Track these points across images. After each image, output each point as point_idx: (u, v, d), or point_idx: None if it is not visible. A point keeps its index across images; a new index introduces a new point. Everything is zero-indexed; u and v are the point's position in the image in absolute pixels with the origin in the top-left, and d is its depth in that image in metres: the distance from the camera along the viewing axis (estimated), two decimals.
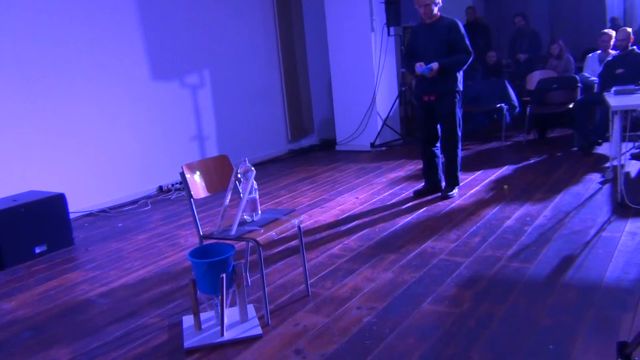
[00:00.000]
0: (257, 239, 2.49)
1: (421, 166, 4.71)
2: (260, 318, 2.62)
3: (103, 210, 5.03)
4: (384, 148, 7.00)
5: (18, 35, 4.49)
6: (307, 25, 7.55)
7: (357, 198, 4.76)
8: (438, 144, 4.56)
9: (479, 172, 5.24)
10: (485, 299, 2.64)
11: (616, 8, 8.95)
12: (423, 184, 4.69)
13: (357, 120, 7.09)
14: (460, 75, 4.33)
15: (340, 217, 4.24)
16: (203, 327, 2.56)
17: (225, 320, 2.54)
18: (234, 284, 2.53)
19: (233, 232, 2.58)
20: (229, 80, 6.51)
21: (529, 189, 4.50)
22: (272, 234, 2.58)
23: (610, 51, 6.16)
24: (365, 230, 3.86)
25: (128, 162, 5.37)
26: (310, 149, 7.54)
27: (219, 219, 2.70)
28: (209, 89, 6.26)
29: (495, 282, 2.83)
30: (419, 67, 4.20)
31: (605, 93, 4.71)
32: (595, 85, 6.05)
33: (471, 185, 4.82)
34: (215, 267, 2.43)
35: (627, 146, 5.39)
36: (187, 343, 2.44)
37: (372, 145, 6.97)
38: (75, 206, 4.75)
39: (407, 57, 4.60)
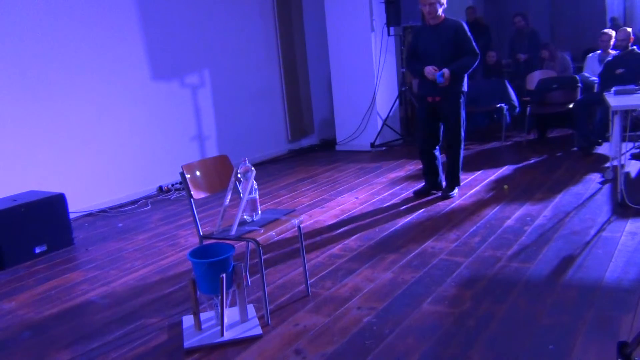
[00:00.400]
0: (257, 239, 2.49)
1: (421, 166, 4.70)
2: (260, 318, 2.62)
3: (103, 210, 5.03)
4: (384, 148, 7.00)
5: (18, 35, 4.49)
6: (307, 25, 7.55)
7: (357, 198, 4.76)
8: (437, 146, 4.53)
9: (479, 172, 5.24)
10: (485, 299, 2.64)
11: (616, 8, 8.95)
12: (423, 184, 4.69)
13: (357, 120, 7.09)
14: (465, 76, 4.32)
15: (340, 217, 4.24)
16: (203, 327, 2.56)
17: (225, 320, 2.54)
18: (234, 284, 2.53)
19: (233, 232, 2.58)
20: (229, 80, 6.51)
21: (529, 189, 4.50)
22: (272, 234, 2.58)
23: (610, 51, 6.16)
24: (365, 230, 3.86)
25: (128, 162, 5.37)
26: (310, 149, 7.54)
27: (219, 219, 2.70)
28: (209, 89, 6.26)
29: (495, 282, 2.83)
30: (433, 73, 4.15)
31: (605, 93, 4.71)
32: (595, 85, 6.05)
33: (471, 185, 4.82)
34: (215, 267, 2.43)
35: (627, 146, 5.39)
36: (187, 343, 2.44)
37: (372, 145, 6.97)
38: (75, 206, 4.75)
39: (409, 58, 4.53)
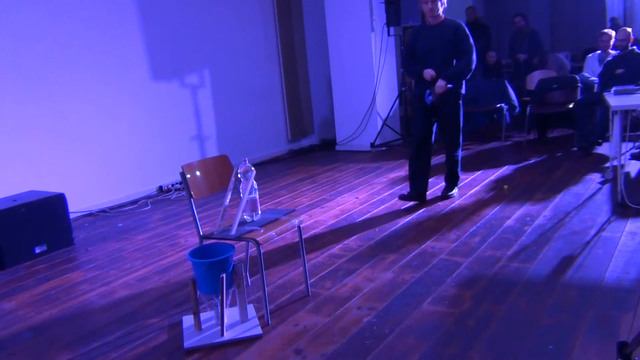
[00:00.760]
0: (257, 239, 2.49)
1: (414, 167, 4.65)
2: (260, 318, 2.62)
3: (103, 210, 5.03)
4: (384, 148, 7.00)
5: (18, 35, 4.49)
6: (307, 25, 7.55)
7: (357, 198, 4.76)
8: (430, 147, 4.44)
9: (479, 172, 5.24)
10: (485, 299, 2.64)
11: (616, 8, 8.95)
12: (409, 190, 4.51)
13: (357, 120, 7.09)
14: (464, 81, 4.28)
15: (340, 217, 4.24)
16: (203, 327, 2.56)
17: (225, 320, 2.54)
18: (234, 284, 2.53)
19: (233, 232, 2.58)
20: (229, 80, 6.51)
21: (529, 189, 4.50)
22: (272, 234, 2.58)
23: (610, 51, 6.16)
24: (365, 230, 3.86)
25: (128, 162, 5.37)
26: (310, 149, 7.54)
27: (219, 219, 2.70)
28: (209, 89, 6.26)
29: (495, 282, 2.83)
30: (432, 76, 4.14)
31: (605, 93, 4.71)
32: (595, 85, 6.05)
33: (471, 185, 4.82)
34: (215, 267, 2.43)
35: (627, 146, 5.39)
36: (187, 343, 2.44)
37: (372, 145, 6.97)
38: (75, 206, 4.75)
39: (407, 58, 4.46)
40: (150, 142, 5.58)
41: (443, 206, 4.28)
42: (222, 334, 2.47)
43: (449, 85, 4.12)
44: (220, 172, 2.86)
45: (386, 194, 4.80)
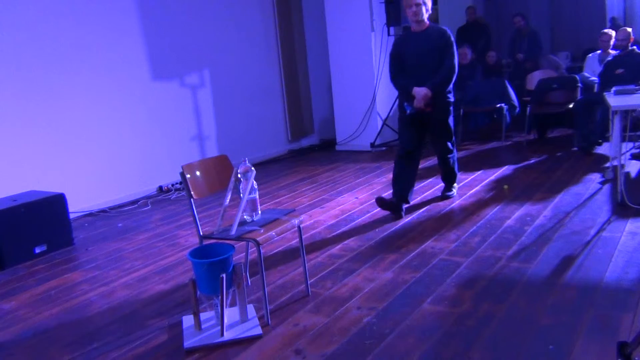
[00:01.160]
0: (257, 239, 2.49)
1: (421, 166, 4.66)
2: (260, 318, 2.62)
3: (103, 210, 5.03)
4: (384, 148, 7.00)
5: (18, 35, 4.49)
6: (307, 25, 7.56)
7: (357, 198, 4.76)
8: (418, 153, 4.25)
9: (479, 172, 5.24)
10: (485, 299, 2.64)
11: (616, 8, 8.95)
12: (391, 195, 4.26)
13: (357, 120, 7.09)
14: (451, 88, 4.14)
15: (340, 217, 4.24)
16: (203, 327, 2.56)
17: (225, 320, 2.54)
18: (234, 284, 2.53)
19: (233, 232, 2.58)
20: (229, 80, 6.51)
21: (529, 189, 4.50)
22: (272, 234, 2.58)
23: (610, 51, 6.16)
24: (365, 230, 3.86)
25: (128, 162, 5.37)
26: (310, 149, 7.54)
27: (219, 219, 2.70)
28: (209, 89, 6.26)
29: (495, 282, 2.83)
30: (420, 100, 3.99)
31: (605, 93, 4.71)
32: (595, 85, 6.05)
33: (471, 185, 4.82)
34: (215, 267, 2.43)
35: (627, 146, 5.39)
36: (187, 343, 2.44)
37: (372, 145, 6.97)
38: (75, 206, 4.75)
39: (395, 69, 4.20)
40: (150, 142, 5.58)
41: (443, 206, 4.28)
42: (222, 334, 2.47)
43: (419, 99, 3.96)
44: (220, 172, 2.86)
45: (386, 194, 4.80)
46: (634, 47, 5.63)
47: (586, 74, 6.42)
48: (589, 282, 2.70)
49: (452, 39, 4.04)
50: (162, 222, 4.55)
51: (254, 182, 2.67)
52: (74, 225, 4.36)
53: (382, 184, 5.17)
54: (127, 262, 3.66)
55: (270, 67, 7.10)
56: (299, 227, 2.80)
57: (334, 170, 6.04)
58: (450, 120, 4.24)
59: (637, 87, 4.52)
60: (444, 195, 4.48)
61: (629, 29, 5.72)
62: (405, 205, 4.17)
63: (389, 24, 6.75)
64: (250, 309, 2.71)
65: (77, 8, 4.90)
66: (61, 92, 4.80)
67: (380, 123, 6.99)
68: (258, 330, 2.50)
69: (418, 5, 3.93)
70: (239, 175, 2.69)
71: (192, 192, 2.66)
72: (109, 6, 5.16)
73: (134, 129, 5.42)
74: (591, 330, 2.27)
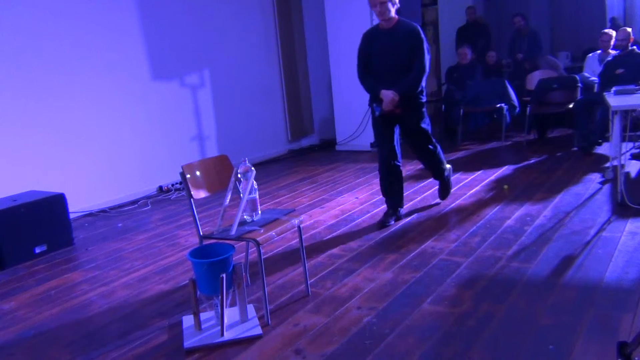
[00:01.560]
0: (257, 239, 2.49)
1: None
2: (260, 318, 2.62)
3: (103, 210, 5.03)
4: None
5: (18, 35, 4.49)
6: (307, 25, 7.56)
7: (357, 198, 4.76)
8: (400, 160, 4.03)
9: (479, 172, 5.24)
10: (485, 299, 2.63)
11: (616, 8, 8.95)
12: (385, 208, 4.12)
13: (357, 120, 7.09)
14: (424, 88, 3.93)
15: (340, 217, 4.24)
16: (203, 327, 2.56)
17: (225, 320, 2.54)
18: (234, 284, 2.53)
19: (233, 232, 2.58)
20: (229, 80, 6.51)
21: (529, 189, 4.50)
22: (272, 234, 2.58)
23: (610, 51, 6.16)
24: (365, 231, 3.86)
25: (128, 162, 5.37)
26: (310, 149, 7.54)
27: (219, 219, 2.70)
28: (209, 89, 6.26)
29: (495, 282, 2.83)
30: (388, 104, 3.80)
31: (605, 93, 4.71)
32: (595, 85, 6.05)
33: (471, 185, 4.81)
34: (215, 267, 2.43)
35: (627, 146, 5.39)
36: (187, 343, 2.44)
37: (372, 145, 6.96)
38: (75, 206, 4.75)
39: (362, 70, 3.98)
40: (151, 142, 5.58)
41: (443, 206, 4.28)
42: (222, 334, 2.47)
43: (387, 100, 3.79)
44: (220, 172, 2.86)
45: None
46: (634, 47, 5.63)
47: (586, 74, 6.42)
48: (589, 282, 2.70)
49: (422, 36, 3.80)
50: (162, 222, 4.55)
51: (254, 182, 2.67)
52: (74, 225, 4.37)
53: None
54: (127, 262, 3.66)
55: (270, 67, 7.10)
56: (299, 227, 2.80)
57: (334, 170, 6.04)
58: (426, 122, 3.99)
59: (637, 87, 4.52)
60: (441, 192, 4.34)
61: (629, 29, 5.72)
62: (402, 210, 4.13)
63: None
64: (250, 309, 2.71)
65: (77, 8, 4.90)
66: (61, 92, 4.80)
67: None
68: (258, 330, 2.50)
69: (383, 3, 3.71)
70: (239, 175, 2.69)
71: (192, 192, 2.66)
72: (109, 6, 5.16)
73: (134, 129, 5.42)
74: (591, 330, 2.27)
